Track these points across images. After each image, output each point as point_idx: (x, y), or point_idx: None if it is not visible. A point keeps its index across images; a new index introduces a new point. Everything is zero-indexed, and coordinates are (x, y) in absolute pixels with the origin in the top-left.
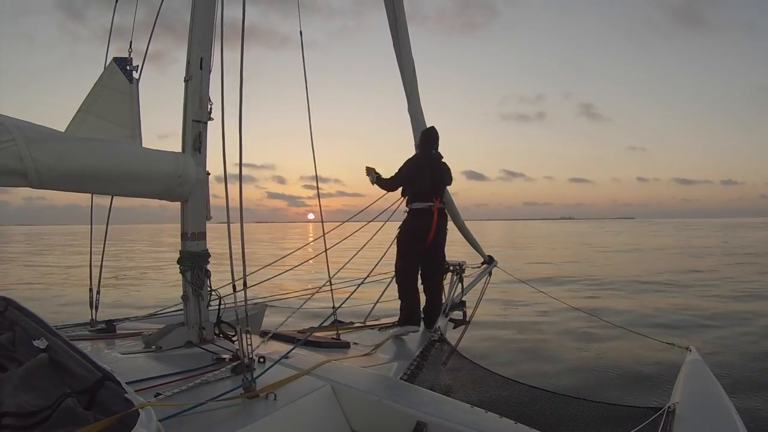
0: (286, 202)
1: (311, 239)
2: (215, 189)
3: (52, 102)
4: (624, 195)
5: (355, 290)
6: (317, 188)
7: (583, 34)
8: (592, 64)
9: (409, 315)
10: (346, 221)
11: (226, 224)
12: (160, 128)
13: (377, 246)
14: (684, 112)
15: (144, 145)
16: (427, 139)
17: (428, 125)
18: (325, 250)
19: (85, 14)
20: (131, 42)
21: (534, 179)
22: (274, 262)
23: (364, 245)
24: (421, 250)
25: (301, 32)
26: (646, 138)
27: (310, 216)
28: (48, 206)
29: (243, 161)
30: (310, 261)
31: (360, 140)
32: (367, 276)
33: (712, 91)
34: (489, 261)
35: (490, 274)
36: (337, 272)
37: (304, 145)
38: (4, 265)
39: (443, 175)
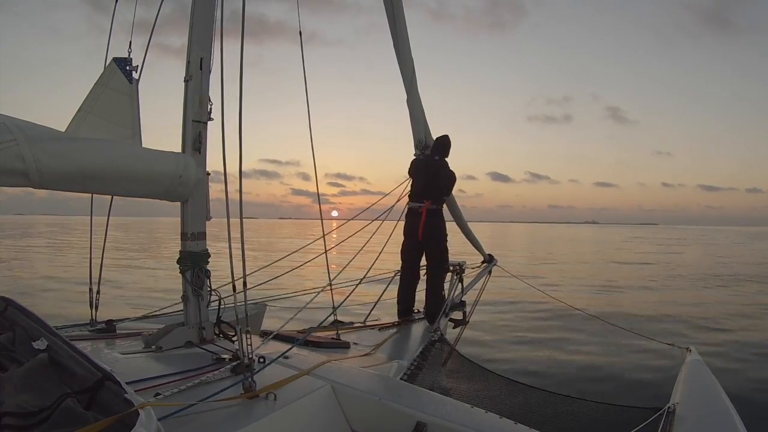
0: (310, 198)
1: (317, 238)
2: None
3: (75, 96)
4: (648, 200)
5: (354, 288)
6: (317, 187)
7: (612, 35)
8: (619, 65)
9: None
10: (347, 220)
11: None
12: None
13: (380, 245)
14: (710, 117)
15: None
16: (434, 145)
17: (438, 118)
18: (326, 252)
19: (111, 7)
20: (130, 42)
21: (559, 182)
22: (276, 261)
23: (362, 247)
24: (413, 244)
25: (300, 33)
26: (672, 143)
27: (334, 213)
28: (72, 197)
29: (262, 158)
30: (309, 263)
31: (385, 137)
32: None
33: (738, 96)
34: (489, 260)
35: (490, 272)
36: (338, 275)
37: (328, 142)
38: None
39: (438, 180)
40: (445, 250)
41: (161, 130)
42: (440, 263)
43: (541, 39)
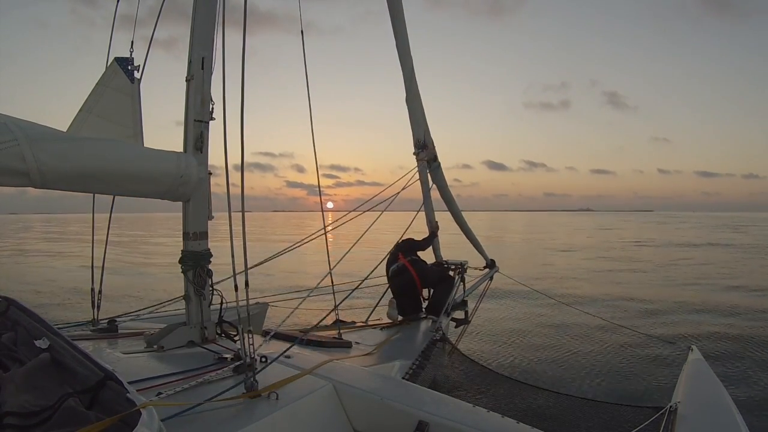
0: (305, 191)
1: (317, 233)
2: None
3: (66, 90)
4: (645, 187)
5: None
6: (318, 183)
7: (610, 18)
8: (618, 49)
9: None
10: (347, 212)
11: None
12: None
13: (379, 238)
14: (708, 102)
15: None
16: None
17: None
18: (327, 252)
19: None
20: (132, 42)
21: (555, 170)
22: (276, 255)
23: (358, 240)
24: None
25: (302, 32)
26: (670, 128)
27: (329, 205)
28: (67, 195)
29: (256, 150)
30: (309, 257)
31: (381, 128)
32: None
33: (738, 80)
34: (491, 265)
35: (491, 278)
36: (336, 264)
37: (323, 133)
38: None
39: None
40: (437, 272)
41: (163, 129)
42: (443, 281)
43: (541, 24)
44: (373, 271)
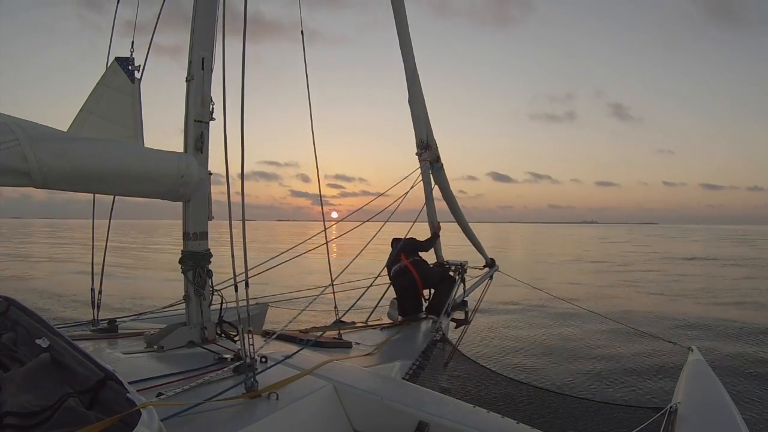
0: (309, 200)
1: (316, 233)
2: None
3: (70, 93)
4: (650, 199)
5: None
6: (319, 187)
7: (616, 28)
8: (624, 60)
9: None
10: (337, 221)
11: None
12: None
13: (380, 245)
14: (713, 114)
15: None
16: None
17: (435, 120)
18: (327, 252)
19: (102, 4)
20: (132, 42)
21: (560, 182)
22: (275, 256)
23: (364, 248)
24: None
25: (302, 32)
26: (674, 141)
27: (334, 215)
28: (70, 200)
29: (261, 159)
30: (310, 260)
31: (386, 139)
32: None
33: (740, 93)
34: (491, 264)
35: (491, 277)
36: (339, 275)
37: (328, 143)
38: None
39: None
40: (438, 273)
41: (163, 129)
42: (443, 281)
43: (547, 35)
44: (375, 278)
